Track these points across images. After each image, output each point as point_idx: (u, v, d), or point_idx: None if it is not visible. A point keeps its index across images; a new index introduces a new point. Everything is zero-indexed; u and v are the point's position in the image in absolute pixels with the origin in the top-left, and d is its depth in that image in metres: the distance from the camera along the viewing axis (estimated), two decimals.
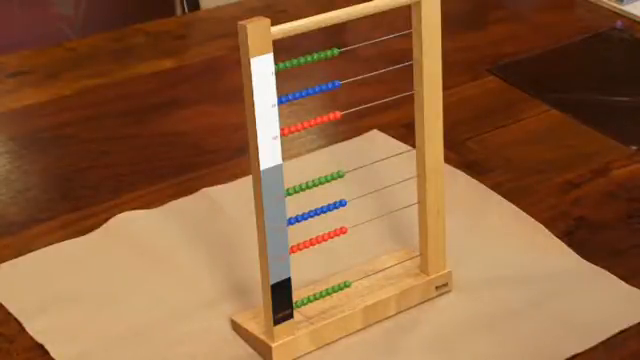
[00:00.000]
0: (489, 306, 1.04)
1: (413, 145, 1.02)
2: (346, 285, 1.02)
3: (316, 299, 1.00)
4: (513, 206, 1.17)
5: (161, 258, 1.11)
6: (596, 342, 1.00)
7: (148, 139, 1.34)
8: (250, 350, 0.99)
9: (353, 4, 0.94)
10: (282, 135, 0.92)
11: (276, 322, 0.97)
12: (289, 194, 0.94)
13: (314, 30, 0.92)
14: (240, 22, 0.88)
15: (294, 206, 0.97)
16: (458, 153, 1.28)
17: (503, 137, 1.33)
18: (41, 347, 1.00)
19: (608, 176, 1.24)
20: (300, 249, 0.97)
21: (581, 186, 1.22)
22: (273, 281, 0.95)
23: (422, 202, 1.03)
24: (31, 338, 1.01)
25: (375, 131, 1.32)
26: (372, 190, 1.08)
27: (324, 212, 0.98)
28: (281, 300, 0.96)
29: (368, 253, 1.09)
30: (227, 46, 1.54)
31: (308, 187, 0.96)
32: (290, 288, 0.97)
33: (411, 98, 1.00)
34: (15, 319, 1.04)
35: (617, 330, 1.01)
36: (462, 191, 1.20)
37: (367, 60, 1.43)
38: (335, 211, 0.99)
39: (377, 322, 1.02)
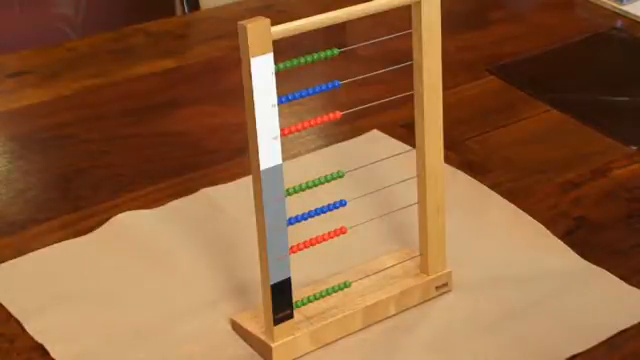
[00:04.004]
0: (489, 306, 1.04)
1: (413, 145, 1.02)
2: (346, 285, 1.02)
3: (316, 299, 1.00)
4: (513, 206, 1.17)
5: (161, 258, 1.11)
6: (596, 342, 1.00)
7: (148, 139, 1.34)
8: (250, 350, 0.99)
9: (353, 4, 0.94)
10: (282, 135, 0.92)
11: (276, 322, 0.97)
12: (289, 194, 0.94)
13: (314, 30, 0.92)
14: (240, 22, 0.88)
15: (294, 206, 0.97)
16: (458, 153, 1.28)
17: (503, 137, 1.33)
18: (41, 347, 1.00)
19: (608, 176, 1.24)
20: (300, 249, 0.97)
21: (581, 186, 1.22)
22: (273, 281, 0.95)
23: (422, 202, 1.03)
24: (31, 338, 1.01)
25: (375, 131, 1.32)
26: (372, 190, 1.08)
27: (324, 212, 0.98)
28: (281, 300, 0.96)
29: (368, 253, 1.09)
30: (227, 46, 1.54)
31: (308, 187, 0.96)
32: (290, 288, 0.97)
33: (411, 98, 1.00)
34: (15, 319, 1.04)
35: (617, 330, 1.01)
36: (462, 191, 1.20)
37: (367, 60, 1.43)
38: (335, 211, 0.99)
39: (377, 322, 1.02)
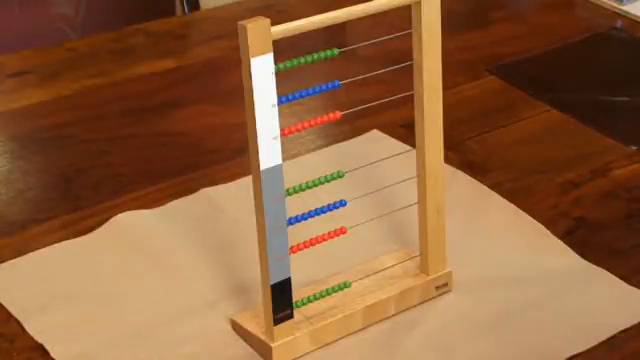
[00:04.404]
0: (489, 306, 1.04)
1: (413, 145, 1.02)
2: (346, 285, 1.02)
3: (316, 299, 1.00)
4: (513, 206, 1.17)
5: (161, 258, 1.11)
6: (596, 342, 1.00)
7: (148, 139, 1.34)
8: (250, 350, 0.99)
9: (353, 4, 0.94)
10: (282, 135, 0.92)
11: (276, 322, 0.97)
12: (289, 194, 0.94)
13: (314, 30, 0.92)
14: (240, 22, 0.88)
15: (294, 206, 0.96)
16: (458, 153, 1.28)
17: (503, 137, 1.33)
18: (41, 347, 1.00)
19: (608, 176, 1.24)
20: (300, 249, 0.97)
21: (581, 186, 1.22)
22: (273, 281, 0.95)
23: (422, 202, 1.03)
24: (31, 338, 1.01)
25: (375, 131, 1.32)
26: (372, 190, 1.08)
27: (324, 212, 0.98)
28: (281, 300, 0.96)
29: (368, 253, 1.09)
30: (227, 46, 1.54)
31: (308, 187, 0.96)
32: (290, 288, 0.97)
33: (411, 98, 1.00)
34: (15, 319, 1.04)
35: (617, 330, 1.01)
36: (462, 191, 1.20)
37: (367, 60, 1.43)
38: (335, 211, 0.99)
39: (377, 322, 1.02)
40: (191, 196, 1.21)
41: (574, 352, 0.99)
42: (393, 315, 1.03)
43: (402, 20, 1.00)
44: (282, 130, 0.92)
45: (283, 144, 0.93)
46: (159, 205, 1.19)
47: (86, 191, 1.23)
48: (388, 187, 1.07)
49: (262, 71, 0.89)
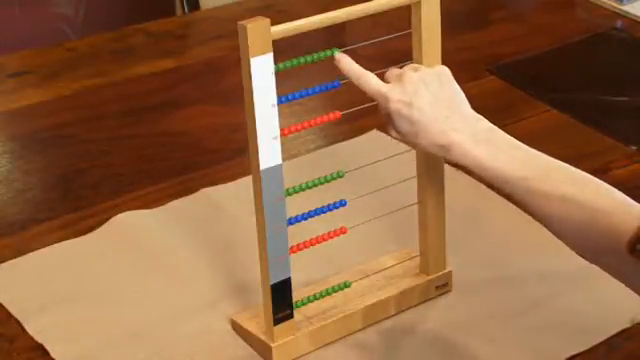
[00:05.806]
0: (489, 306, 1.04)
1: None
2: (346, 285, 1.02)
3: (316, 299, 1.00)
4: (513, 206, 1.17)
5: (161, 258, 1.11)
6: (596, 342, 1.00)
7: (148, 139, 1.34)
8: (250, 350, 0.99)
9: (353, 4, 0.94)
10: (282, 135, 0.92)
11: (276, 322, 0.97)
12: (289, 194, 0.94)
13: (314, 30, 0.92)
14: (240, 22, 0.88)
15: (294, 206, 0.96)
16: None
17: None
18: (41, 347, 1.00)
19: (608, 176, 1.24)
20: (300, 249, 0.97)
21: None
22: (273, 281, 0.95)
23: (422, 202, 1.03)
24: (31, 338, 1.01)
25: (375, 131, 1.32)
26: (372, 190, 1.08)
27: (324, 212, 0.98)
28: (281, 300, 0.96)
29: (368, 253, 1.09)
30: (227, 46, 1.54)
31: (308, 187, 0.96)
32: (290, 288, 0.97)
33: None
34: (15, 319, 1.04)
35: (617, 330, 1.01)
36: (462, 191, 1.20)
37: (367, 60, 1.43)
38: (335, 211, 0.99)
39: (377, 322, 1.02)
40: (191, 196, 1.21)
41: (574, 352, 0.99)
42: (393, 315, 1.03)
43: (402, 20, 1.00)
44: (282, 130, 0.92)
45: (283, 144, 0.93)
46: (159, 205, 1.19)
47: (86, 191, 1.23)
48: (388, 187, 1.07)
49: (262, 71, 0.89)
